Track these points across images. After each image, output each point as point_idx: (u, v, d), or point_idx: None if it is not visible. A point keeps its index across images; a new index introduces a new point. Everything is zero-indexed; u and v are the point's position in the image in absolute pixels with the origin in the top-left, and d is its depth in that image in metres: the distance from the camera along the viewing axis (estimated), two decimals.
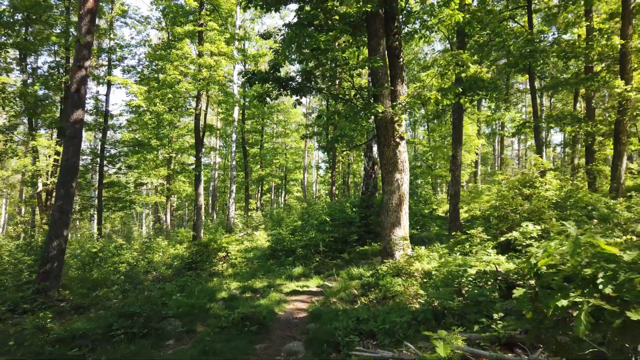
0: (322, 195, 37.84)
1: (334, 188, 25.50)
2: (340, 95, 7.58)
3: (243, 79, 7.53)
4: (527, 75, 20.65)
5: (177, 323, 5.86)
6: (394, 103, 7.36)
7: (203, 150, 20.99)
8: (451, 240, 8.11)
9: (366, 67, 12.18)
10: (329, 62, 6.94)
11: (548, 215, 7.65)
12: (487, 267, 5.77)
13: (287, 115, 35.74)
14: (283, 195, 42.88)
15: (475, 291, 4.25)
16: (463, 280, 4.89)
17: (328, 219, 11.68)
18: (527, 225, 6.85)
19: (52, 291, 8.58)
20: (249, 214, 23.96)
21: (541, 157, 15.63)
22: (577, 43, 12.41)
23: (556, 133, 41.97)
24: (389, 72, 7.81)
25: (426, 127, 31.33)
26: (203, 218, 18.88)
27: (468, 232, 7.32)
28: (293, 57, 6.25)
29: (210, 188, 36.64)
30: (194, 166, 17.89)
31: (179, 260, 11.97)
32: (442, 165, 28.97)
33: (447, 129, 30.75)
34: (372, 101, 7.14)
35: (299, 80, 7.71)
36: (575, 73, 16.76)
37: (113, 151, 20.58)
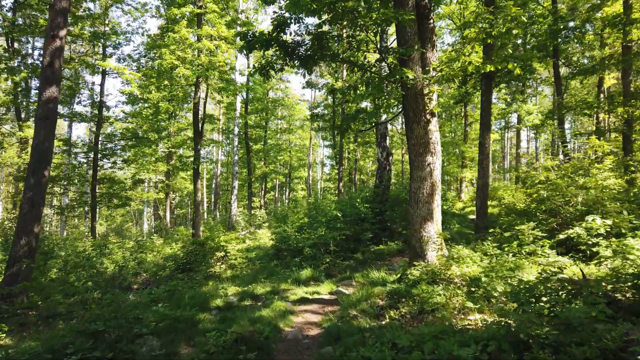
0: (329, 188, 36.50)
1: (340, 184, 24.15)
2: (360, 62, 6.29)
3: (241, 43, 6.21)
4: (546, 65, 19.21)
5: (154, 343, 4.56)
6: (427, 69, 6.03)
7: (203, 142, 19.73)
8: (489, 238, 6.75)
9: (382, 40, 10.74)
10: (347, 15, 5.61)
11: (612, 208, 6.27)
12: (548, 272, 4.44)
13: (292, 110, 34.38)
14: (287, 193, 41.56)
15: (573, 310, 2.91)
16: (541, 291, 3.52)
17: (339, 214, 10.34)
18: (593, 220, 5.48)
19: (19, 297, 7.36)
20: (252, 212, 22.67)
21: (566, 149, 14.17)
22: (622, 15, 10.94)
23: (567, 130, 40.60)
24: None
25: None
26: (204, 215, 17.66)
27: (517, 228, 5.96)
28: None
29: (213, 186, 35.42)
30: (192, 159, 16.59)
31: (173, 261, 10.71)
32: (453, 161, 27.47)
33: (457, 124, 29.31)
34: (399, 66, 5.80)
35: (309, 45, 6.40)
36: (607, 56, 15.20)
37: (109, 145, 19.36)
